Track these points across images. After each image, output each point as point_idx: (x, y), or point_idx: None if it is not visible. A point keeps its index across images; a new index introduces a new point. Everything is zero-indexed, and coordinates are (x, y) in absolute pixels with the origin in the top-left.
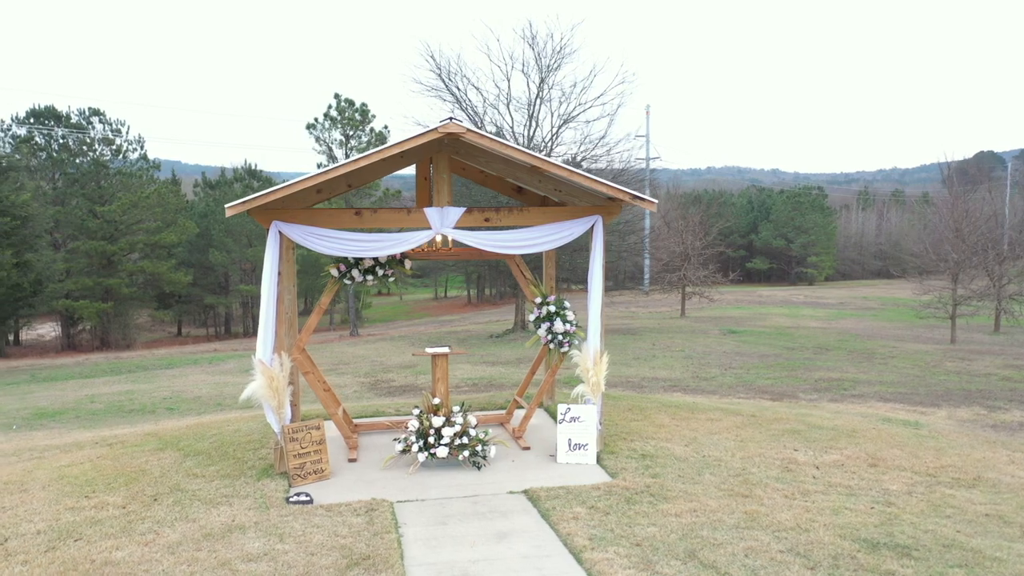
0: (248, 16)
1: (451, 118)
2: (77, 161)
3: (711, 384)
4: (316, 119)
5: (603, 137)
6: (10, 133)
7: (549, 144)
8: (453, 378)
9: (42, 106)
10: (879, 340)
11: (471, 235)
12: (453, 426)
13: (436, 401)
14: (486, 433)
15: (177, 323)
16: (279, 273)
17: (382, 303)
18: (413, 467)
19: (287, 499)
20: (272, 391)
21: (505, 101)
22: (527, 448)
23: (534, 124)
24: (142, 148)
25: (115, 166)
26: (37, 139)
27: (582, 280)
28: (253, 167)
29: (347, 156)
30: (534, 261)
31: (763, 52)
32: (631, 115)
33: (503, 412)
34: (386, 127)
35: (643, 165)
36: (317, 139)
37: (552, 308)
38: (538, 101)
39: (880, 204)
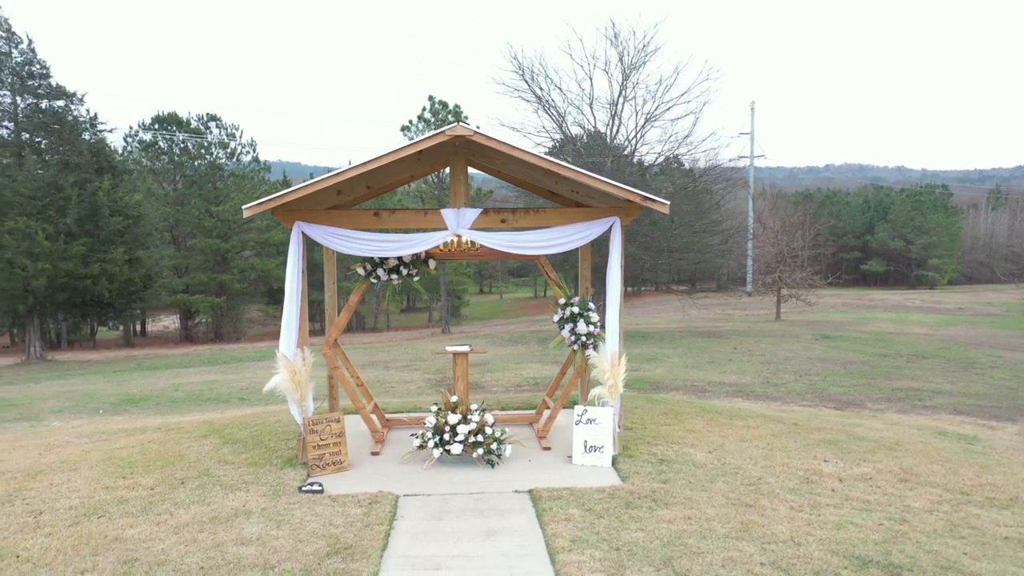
0: (350, 23)
1: (458, 122)
2: (195, 164)
3: (778, 390)
4: (410, 121)
5: (688, 136)
6: (137, 138)
7: (632, 143)
8: (518, 377)
9: (166, 113)
10: (986, 349)
11: (487, 236)
12: (468, 424)
13: (454, 399)
14: (502, 432)
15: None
16: (301, 271)
17: (481, 301)
18: (428, 463)
19: (299, 488)
20: (294, 384)
21: (588, 101)
22: (548, 448)
23: (617, 123)
24: (254, 151)
25: (229, 168)
26: (160, 144)
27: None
28: None
29: None
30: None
31: (891, 42)
32: (718, 113)
33: (534, 412)
34: (478, 127)
35: (746, 163)
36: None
37: (576, 309)
38: (621, 100)
39: (1014, 203)
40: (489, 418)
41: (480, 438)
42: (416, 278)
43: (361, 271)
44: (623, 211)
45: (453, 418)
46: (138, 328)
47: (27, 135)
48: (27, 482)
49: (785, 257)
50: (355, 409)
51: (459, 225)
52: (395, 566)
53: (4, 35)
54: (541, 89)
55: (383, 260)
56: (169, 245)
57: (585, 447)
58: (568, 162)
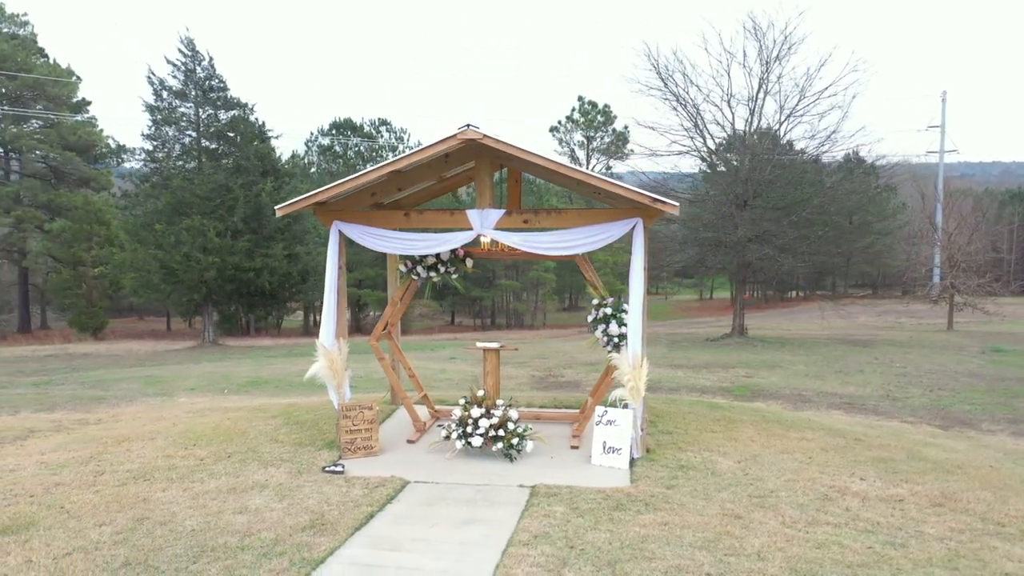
0: (497, 26)
1: (468, 125)
2: (367, 167)
3: (891, 404)
4: (559, 121)
5: (834, 132)
6: (316, 143)
7: (775, 137)
8: None
9: (342, 119)
10: None
11: (510, 236)
12: (491, 418)
13: (481, 393)
14: (525, 428)
15: (452, 313)
16: (339, 267)
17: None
18: (451, 453)
19: (323, 468)
20: (332, 372)
21: (726, 97)
22: (576, 448)
23: (756, 120)
24: None
25: None
26: (336, 148)
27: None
28: None
29: (588, 158)
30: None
31: None
32: (868, 106)
33: (579, 411)
34: (626, 127)
35: (935, 159)
36: (560, 141)
37: (608, 311)
38: (762, 95)
39: None
40: (513, 414)
41: (501, 432)
42: (455, 275)
43: (403, 268)
44: (645, 212)
45: (476, 412)
46: (316, 318)
47: (206, 142)
48: (111, 447)
49: (958, 261)
50: (420, 399)
51: (483, 225)
52: (357, 543)
53: (189, 54)
54: (677, 86)
55: (423, 258)
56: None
57: (604, 448)
58: (708, 163)
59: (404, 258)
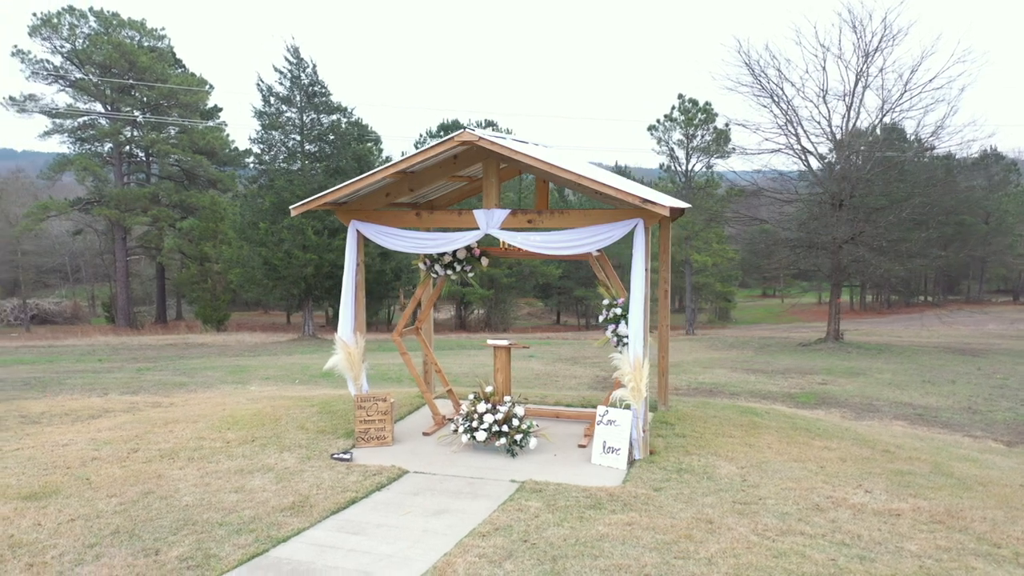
0: (592, 26)
1: (465, 127)
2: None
3: (967, 418)
4: (658, 120)
5: (939, 128)
6: (424, 144)
7: (874, 134)
8: (690, 380)
9: (450, 120)
10: None
11: (515, 236)
12: (496, 414)
13: (489, 389)
14: (530, 425)
15: (556, 312)
16: (357, 264)
17: (756, 305)
18: (456, 446)
19: (332, 455)
20: (349, 364)
21: (821, 93)
22: (583, 447)
23: (852, 115)
24: None
25: None
26: None
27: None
28: (624, 168)
29: (687, 157)
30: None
31: None
32: (982, 97)
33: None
34: (727, 125)
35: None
36: (658, 140)
37: (619, 311)
38: (860, 89)
39: None
40: (519, 410)
41: (506, 428)
42: (471, 274)
43: (422, 265)
44: (647, 213)
45: (481, 407)
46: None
47: (309, 146)
48: (157, 428)
49: None
50: (445, 394)
51: (489, 225)
52: (327, 526)
53: (295, 61)
54: (770, 81)
55: (440, 256)
56: None
57: (604, 448)
58: (802, 161)
59: (423, 256)
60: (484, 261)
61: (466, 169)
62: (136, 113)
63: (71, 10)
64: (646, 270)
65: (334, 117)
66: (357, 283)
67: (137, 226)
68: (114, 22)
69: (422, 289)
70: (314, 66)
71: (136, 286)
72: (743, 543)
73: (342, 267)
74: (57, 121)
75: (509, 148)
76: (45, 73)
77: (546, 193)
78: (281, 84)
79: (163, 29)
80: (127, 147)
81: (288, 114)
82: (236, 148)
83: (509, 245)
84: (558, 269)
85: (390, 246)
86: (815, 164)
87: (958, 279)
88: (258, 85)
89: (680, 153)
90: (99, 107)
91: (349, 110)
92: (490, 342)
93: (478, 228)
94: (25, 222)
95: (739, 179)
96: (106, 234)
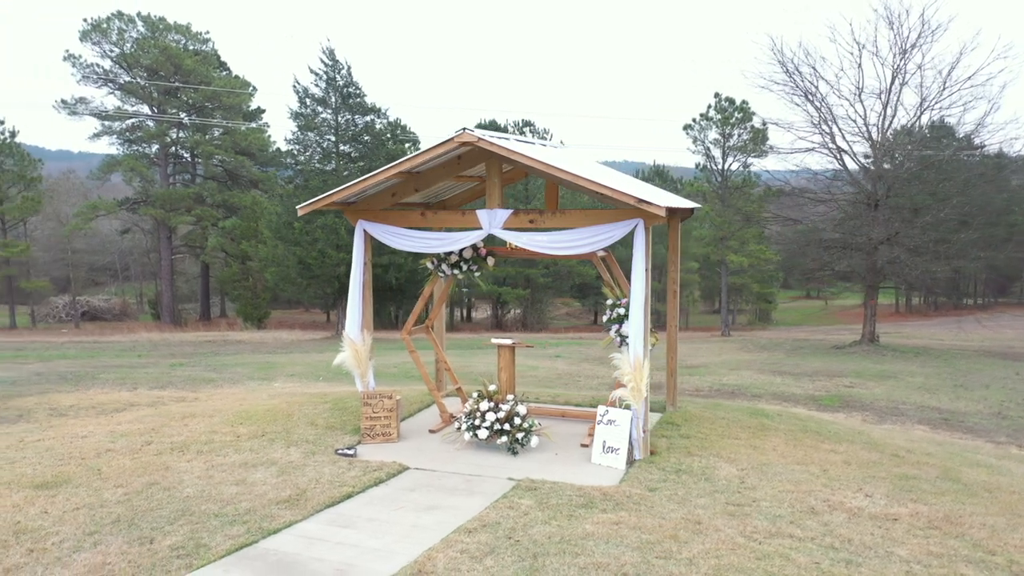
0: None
1: (464, 128)
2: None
3: (994, 423)
4: (693, 119)
5: (979, 126)
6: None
7: (913, 132)
8: (713, 382)
9: (487, 120)
10: None
11: (517, 236)
12: (498, 412)
13: (492, 388)
14: (531, 424)
15: (593, 312)
16: (364, 263)
17: (798, 307)
18: (459, 444)
19: (336, 450)
20: (356, 361)
21: (856, 90)
22: (585, 446)
23: (889, 113)
24: None
25: None
26: None
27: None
28: (662, 167)
29: (724, 156)
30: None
31: None
32: (1019, 95)
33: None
34: (764, 123)
35: None
36: (694, 140)
37: (623, 311)
38: (896, 86)
39: None
40: (521, 409)
41: (508, 427)
42: (477, 273)
43: (430, 265)
44: (646, 213)
45: (484, 405)
46: (464, 314)
47: (344, 147)
48: (174, 422)
49: None
50: (454, 391)
51: (491, 225)
52: (319, 519)
53: (330, 63)
54: (804, 79)
55: (447, 255)
56: None
57: (603, 447)
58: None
59: (431, 256)
60: (490, 261)
61: (470, 169)
62: (182, 115)
63: (120, 15)
64: (646, 270)
65: (368, 118)
66: (364, 282)
67: (182, 225)
68: (160, 26)
69: (430, 288)
70: (349, 68)
71: (182, 284)
72: (728, 544)
73: (374, 267)
74: (106, 123)
75: (506, 148)
76: (95, 76)
77: (555, 193)
78: (317, 86)
79: (207, 32)
80: (173, 148)
81: (323, 115)
82: (278, 149)
83: (515, 245)
84: (594, 269)
85: (396, 245)
86: (850, 163)
87: (1011, 281)
88: (294, 87)
89: (716, 152)
90: (146, 109)
91: (383, 111)
92: (494, 341)
93: (481, 228)
94: (75, 221)
95: (773, 179)
96: (152, 233)
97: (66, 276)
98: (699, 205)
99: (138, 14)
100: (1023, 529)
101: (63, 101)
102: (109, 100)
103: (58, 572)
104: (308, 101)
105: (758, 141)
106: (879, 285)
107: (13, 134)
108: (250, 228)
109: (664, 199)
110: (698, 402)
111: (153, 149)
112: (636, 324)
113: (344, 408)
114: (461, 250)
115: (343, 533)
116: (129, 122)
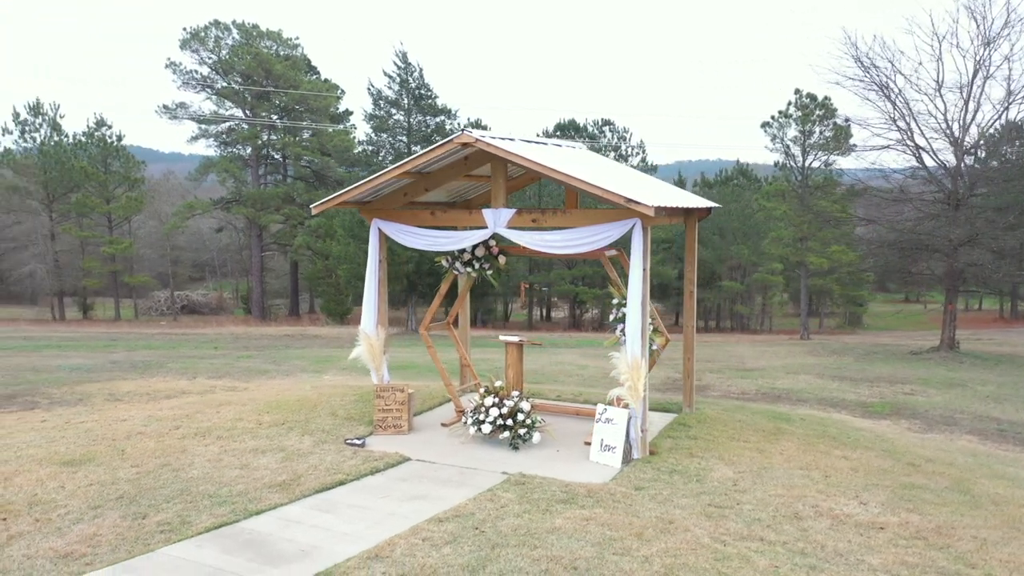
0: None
1: (464, 129)
2: None
3: None
4: (772, 117)
5: None
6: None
7: (995, 128)
8: (762, 385)
9: (566, 120)
10: None
11: (520, 235)
12: (502, 408)
13: (498, 384)
14: (534, 420)
15: (675, 313)
16: (380, 260)
17: (895, 311)
18: (464, 438)
19: (345, 440)
20: (371, 355)
21: (936, 84)
22: (588, 443)
23: (973, 106)
24: (643, 152)
25: None
26: None
27: None
28: (746, 166)
29: (804, 154)
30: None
31: None
32: None
33: None
34: (847, 120)
35: None
36: (772, 137)
37: (627, 310)
38: (980, 80)
39: None
40: (525, 405)
41: (510, 422)
42: (489, 271)
43: (444, 263)
44: (641, 213)
45: (488, 401)
46: (544, 313)
47: (415, 148)
48: (208, 408)
49: None
50: (472, 387)
51: (496, 224)
52: (305, 503)
53: (403, 66)
54: (880, 74)
55: (461, 252)
56: None
57: (601, 445)
58: (916, 158)
59: (444, 254)
60: (502, 259)
61: (477, 169)
62: (273, 117)
63: (217, 23)
64: (644, 270)
65: (439, 119)
66: (379, 279)
67: (272, 224)
68: (254, 33)
69: (446, 285)
70: (421, 70)
71: (273, 280)
72: (690, 545)
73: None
74: (203, 126)
75: (502, 148)
76: (194, 82)
77: (574, 194)
78: (390, 88)
79: (297, 38)
80: (264, 150)
81: (396, 116)
82: (364, 150)
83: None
84: (673, 270)
85: (407, 243)
86: (929, 161)
87: None
88: (368, 89)
89: (796, 150)
90: (240, 113)
91: (454, 112)
92: (502, 338)
93: (487, 227)
94: (173, 220)
95: (853, 178)
96: (244, 231)
97: (167, 272)
98: (717, 204)
99: (233, 22)
100: (1015, 544)
101: (164, 106)
102: (206, 105)
103: (53, 540)
104: (382, 103)
105: (840, 138)
106: (959, 289)
107: (120, 138)
108: (330, 227)
109: (661, 199)
110: (721, 404)
111: (247, 151)
112: (633, 324)
113: (368, 400)
114: (474, 248)
115: (321, 517)
116: (225, 125)
